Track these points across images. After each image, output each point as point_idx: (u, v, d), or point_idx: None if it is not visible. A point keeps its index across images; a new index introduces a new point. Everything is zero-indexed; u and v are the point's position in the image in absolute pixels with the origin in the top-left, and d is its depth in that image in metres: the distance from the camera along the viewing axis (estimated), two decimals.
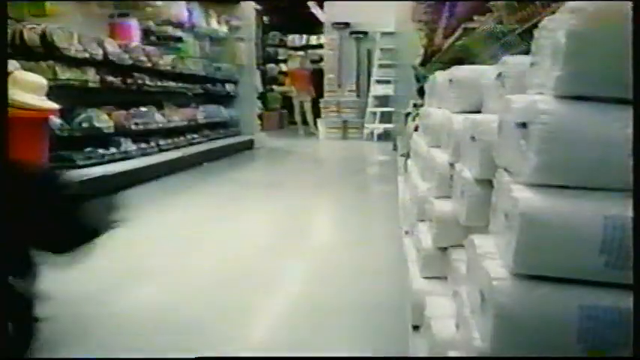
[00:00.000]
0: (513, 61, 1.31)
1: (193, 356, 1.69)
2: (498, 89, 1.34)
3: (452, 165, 1.66)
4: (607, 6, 0.87)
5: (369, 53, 10.94)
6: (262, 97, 10.76)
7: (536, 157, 0.90)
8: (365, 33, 11.00)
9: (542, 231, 0.89)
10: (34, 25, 4.02)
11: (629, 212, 0.84)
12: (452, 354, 1.14)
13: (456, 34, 2.56)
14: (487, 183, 1.22)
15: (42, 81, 3.40)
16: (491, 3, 1.93)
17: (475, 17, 2.24)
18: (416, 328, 1.70)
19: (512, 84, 1.26)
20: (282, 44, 14.76)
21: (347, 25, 11.08)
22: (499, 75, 1.34)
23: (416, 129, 3.24)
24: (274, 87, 13.78)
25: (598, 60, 0.88)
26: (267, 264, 2.82)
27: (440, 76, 2.15)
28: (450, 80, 1.83)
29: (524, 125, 0.94)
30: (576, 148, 0.89)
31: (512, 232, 0.92)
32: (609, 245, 0.85)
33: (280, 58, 14.38)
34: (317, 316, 2.15)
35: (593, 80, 0.90)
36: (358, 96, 11.04)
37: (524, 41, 1.72)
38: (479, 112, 1.51)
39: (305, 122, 11.41)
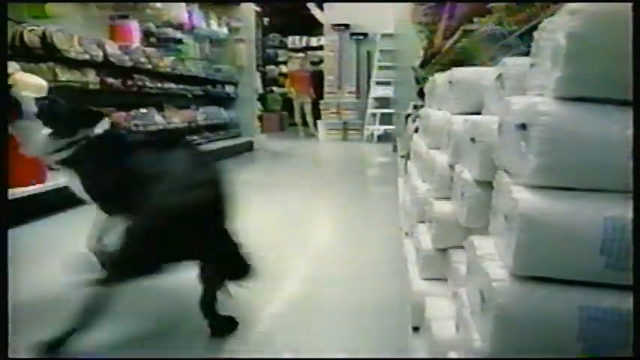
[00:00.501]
0: (513, 63, 1.32)
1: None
2: (498, 91, 1.34)
3: (452, 166, 1.66)
4: (607, 7, 0.88)
5: (369, 55, 10.94)
6: (262, 98, 10.75)
7: (536, 159, 0.90)
8: (365, 35, 11.02)
9: (542, 232, 0.89)
10: (34, 27, 4.02)
11: (629, 213, 0.84)
12: (452, 355, 1.13)
13: (456, 35, 2.56)
14: (487, 184, 1.22)
15: (42, 82, 3.40)
16: (491, 4, 1.93)
17: (475, 19, 2.24)
18: (416, 329, 1.70)
19: (512, 85, 1.27)
20: (282, 46, 14.77)
21: (347, 26, 11.10)
22: (499, 76, 1.35)
23: (416, 130, 3.25)
24: (274, 88, 13.79)
25: (598, 61, 0.88)
26: (265, 265, 2.81)
27: (440, 78, 2.15)
28: (450, 82, 1.83)
29: (524, 127, 0.94)
30: (576, 150, 0.89)
31: (512, 234, 0.92)
32: (609, 246, 0.86)
33: (280, 59, 14.39)
34: (316, 317, 2.15)
35: (593, 82, 0.90)
36: (358, 97, 11.05)
37: (524, 43, 1.72)
38: (479, 113, 1.51)
39: (305, 124, 11.40)
